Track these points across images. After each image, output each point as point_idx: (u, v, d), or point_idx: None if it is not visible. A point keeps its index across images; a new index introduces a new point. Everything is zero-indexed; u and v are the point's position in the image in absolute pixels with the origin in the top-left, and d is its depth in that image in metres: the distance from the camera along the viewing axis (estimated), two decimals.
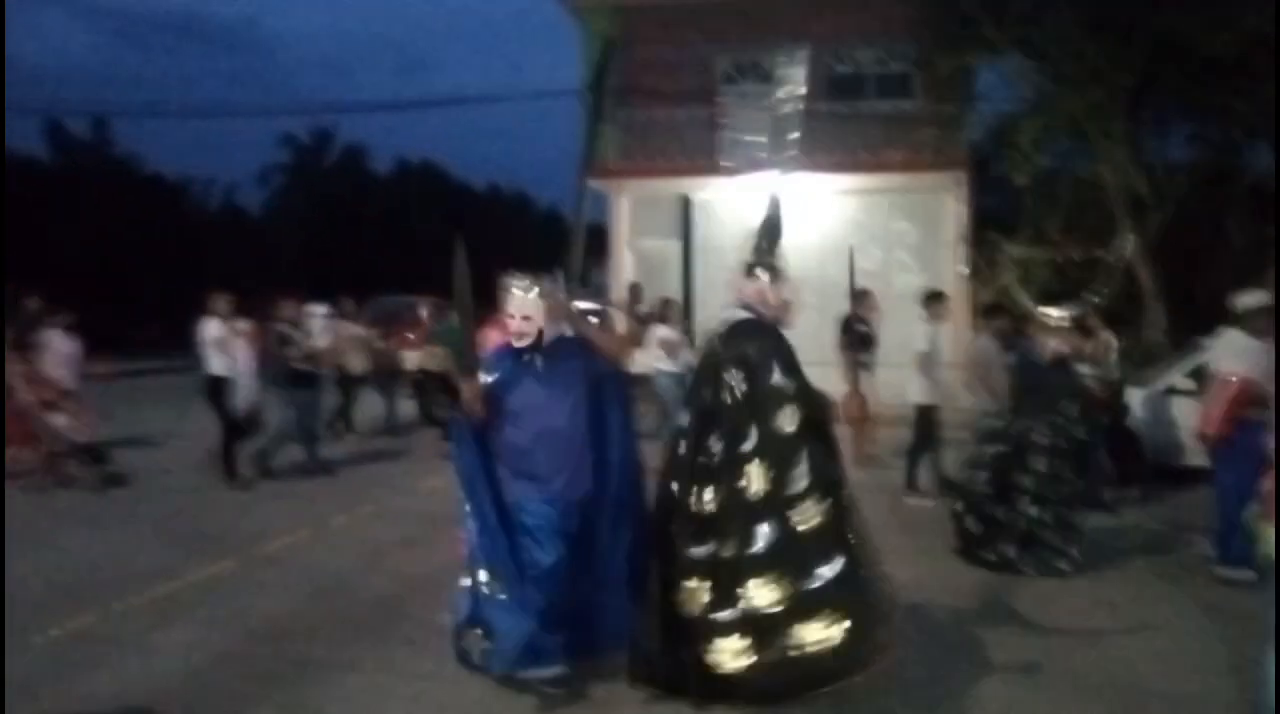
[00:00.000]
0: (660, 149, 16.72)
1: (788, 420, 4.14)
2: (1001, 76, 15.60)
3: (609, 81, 16.77)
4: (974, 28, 13.69)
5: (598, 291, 16.60)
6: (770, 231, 4.71)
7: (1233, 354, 6.18)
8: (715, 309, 4.85)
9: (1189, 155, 14.97)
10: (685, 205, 17.39)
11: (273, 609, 5.58)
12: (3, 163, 18.23)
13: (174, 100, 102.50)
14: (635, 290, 14.94)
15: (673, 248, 17.45)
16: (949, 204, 16.31)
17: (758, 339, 4.31)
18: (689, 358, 9.90)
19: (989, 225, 15.82)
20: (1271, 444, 4.95)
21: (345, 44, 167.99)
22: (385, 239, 40.39)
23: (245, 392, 9.46)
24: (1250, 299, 6.24)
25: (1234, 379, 6.08)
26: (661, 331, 10.71)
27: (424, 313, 16.32)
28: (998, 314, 8.73)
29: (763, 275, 4.47)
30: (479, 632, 4.32)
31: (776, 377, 4.20)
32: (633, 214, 17.82)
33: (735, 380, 4.22)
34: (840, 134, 15.73)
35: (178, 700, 4.33)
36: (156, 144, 50.67)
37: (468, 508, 4.36)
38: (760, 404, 4.17)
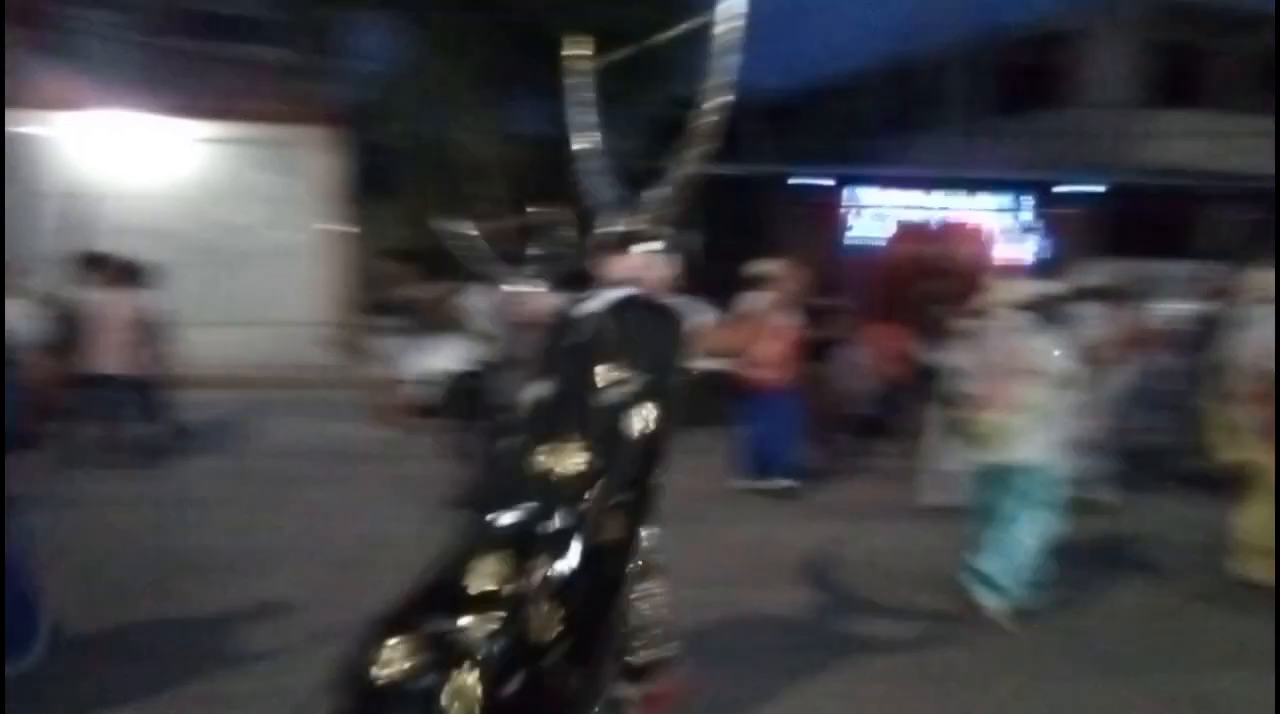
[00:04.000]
0: None
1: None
2: (385, 38, 15.57)
3: None
4: None
5: None
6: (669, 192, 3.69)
7: (780, 313, 7.53)
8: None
9: (545, 129, 16.28)
10: None
11: None
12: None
13: None
14: None
15: None
16: (323, 160, 15.94)
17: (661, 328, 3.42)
18: None
19: (373, 184, 15.76)
20: None
21: None
22: None
23: None
24: (767, 267, 7.60)
25: (789, 330, 7.60)
26: None
27: None
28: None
29: (649, 247, 3.58)
30: None
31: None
32: None
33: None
34: (201, 77, 14.52)
35: None
36: None
37: None
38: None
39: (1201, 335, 8.49)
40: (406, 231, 15.07)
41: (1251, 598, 5.48)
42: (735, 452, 7.98)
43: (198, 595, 5.30)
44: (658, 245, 3.53)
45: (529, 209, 7.01)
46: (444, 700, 2.83)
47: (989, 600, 5.20)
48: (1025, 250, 13.72)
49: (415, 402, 10.38)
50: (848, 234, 12.55)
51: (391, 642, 2.98)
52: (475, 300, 8.63)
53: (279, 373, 13.09)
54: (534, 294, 5.60)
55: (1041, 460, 5.12)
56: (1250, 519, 5.82)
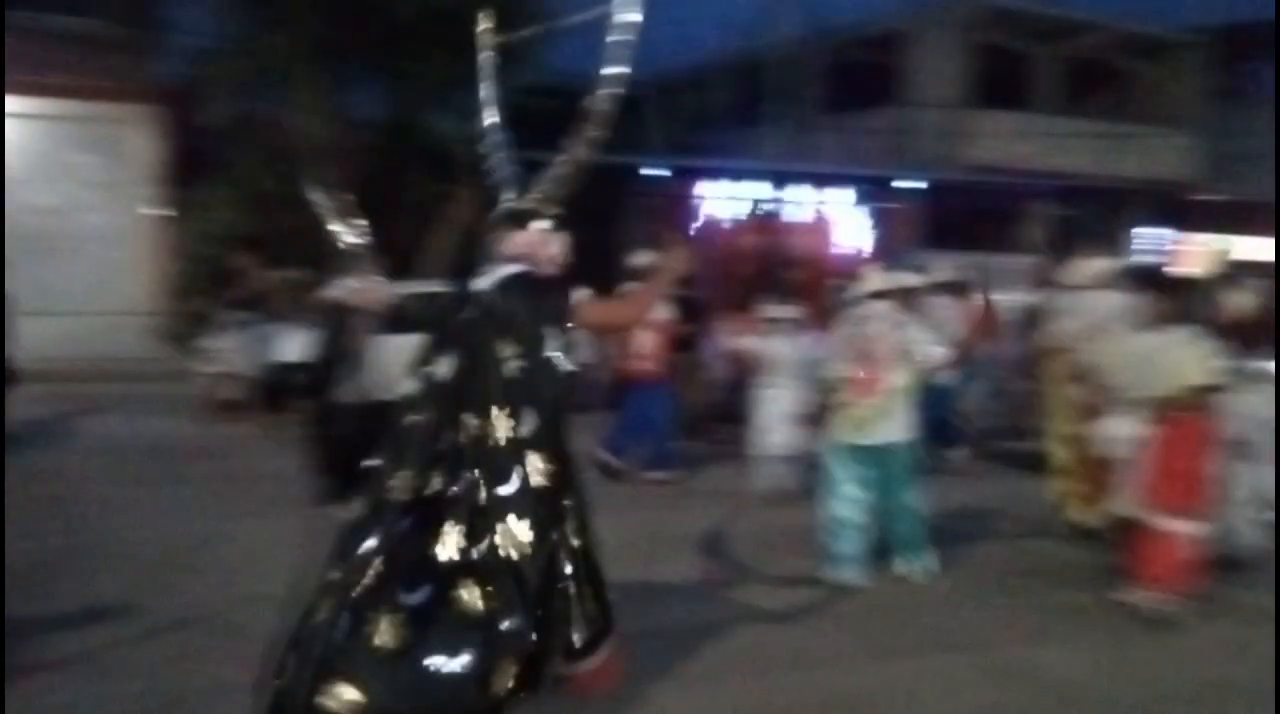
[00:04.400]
0: None
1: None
2: (211, 9, 14.71)
3: None
4: None
5: None
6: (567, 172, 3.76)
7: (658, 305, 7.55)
8: None
9: (384, 112, 15.72)
10: None
11: None
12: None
13: None
14: None
15: None
16: (144, 140, 14.97)
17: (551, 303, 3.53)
18: None
19: (200, 167, 14.88)
20: None
21: None
22: None
23: None
24: (645, 258, 7.36)
25: (665, 323, 7.63)
26: None
27: None
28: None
29: (541, 225, 3.65)
30: None
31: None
32: None
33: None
34: (8, 48, 13.38)
35: None
36: None
37: None
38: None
39: (1027, 324, 8.97)
40: (236, 216, 14.33)
41: (1072, 571, 5.82)
42: (602, 436, 7.93)
43: (21, 599, 4.91)
44: (549, 223, 3.63)
45: (313, 196, 6.75)
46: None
47: (854, 578, 5.47)
48: (859, 242, 14.19)
49: (247, 394, 9.91)
50: (695, 224, 12.72)
51: (377, 616, 3.06)
52: (333, 289, 8.27)
53: (102, 366, 12.35)
54: (369, 285, 5.47)
55: (910, 439, 5.57)
56: (1061, 488, 6.50)
